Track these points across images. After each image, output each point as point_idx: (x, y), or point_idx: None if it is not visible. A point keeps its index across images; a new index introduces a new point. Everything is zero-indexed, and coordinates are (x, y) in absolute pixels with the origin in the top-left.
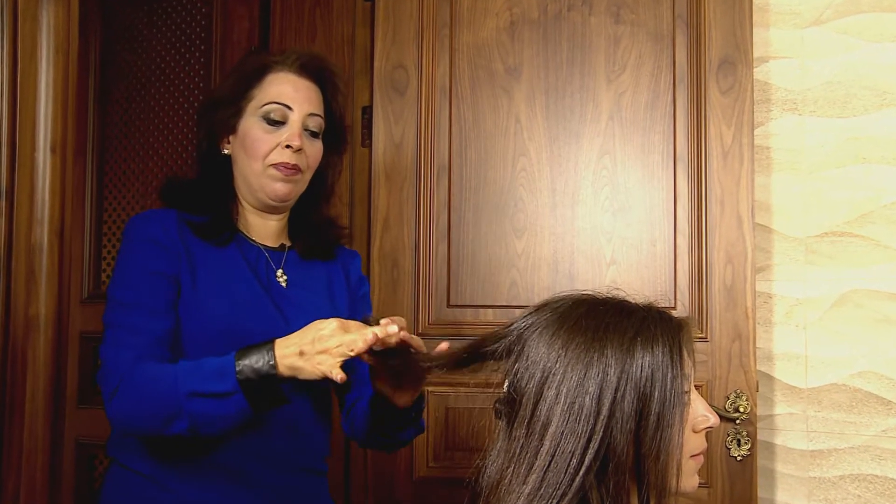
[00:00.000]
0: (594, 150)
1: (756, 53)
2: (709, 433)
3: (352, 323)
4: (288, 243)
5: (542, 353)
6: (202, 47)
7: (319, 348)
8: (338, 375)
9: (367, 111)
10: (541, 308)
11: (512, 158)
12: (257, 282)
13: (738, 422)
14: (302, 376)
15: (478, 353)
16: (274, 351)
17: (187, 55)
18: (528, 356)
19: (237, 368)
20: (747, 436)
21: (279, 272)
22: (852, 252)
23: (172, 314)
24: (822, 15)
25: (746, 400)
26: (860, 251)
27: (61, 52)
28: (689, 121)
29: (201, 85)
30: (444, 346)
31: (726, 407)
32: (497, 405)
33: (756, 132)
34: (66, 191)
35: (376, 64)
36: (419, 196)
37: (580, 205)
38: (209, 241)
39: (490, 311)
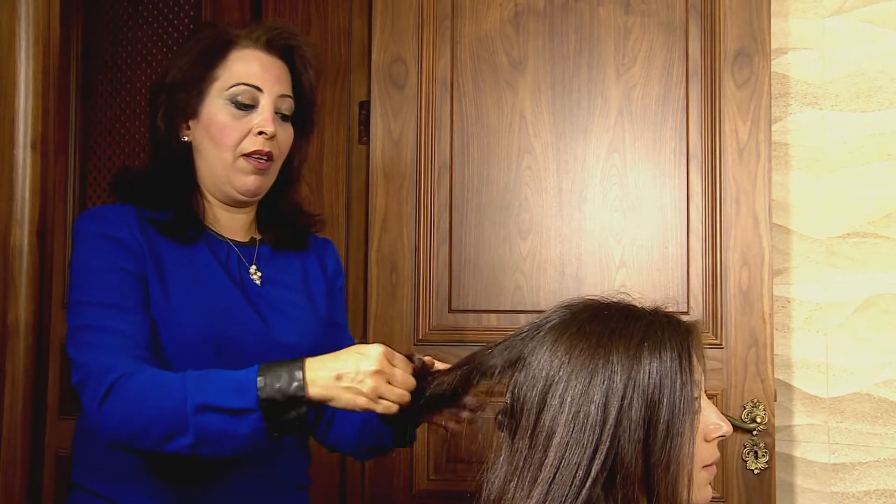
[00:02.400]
0: (603, 146)
1: (774, 45)
2: (723, 444)
3: (397, 358)
4: (258, 236)
5: (544, 361)
6: None
7: (359, 381)
8: (392, 409)
9: (365, 106)
10: (543, 315)
11: (516, 156)
12: (231, 282)
13: (755, 433)
14: (335, 405)
15: (478, 371)
16: (304, 371)
17: (175, 46)
18: (529, 364)
19: (259, 385)
20: (765, 448)
21: (252, 269)
22: (876, 254)
23: (147, 316)
24: (845, 3)
25: (764, 410)
26: (885, 253)
27: (41, 43)
28: (702, 116)
29: None
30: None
31: (742, 417)
32: (499, 416)
33: (774, 127)
34: (47, 190)
35: (374, 57)
36: (419, 196)
37: (588, 204)
38: (175, 240)
39: (493, 316)
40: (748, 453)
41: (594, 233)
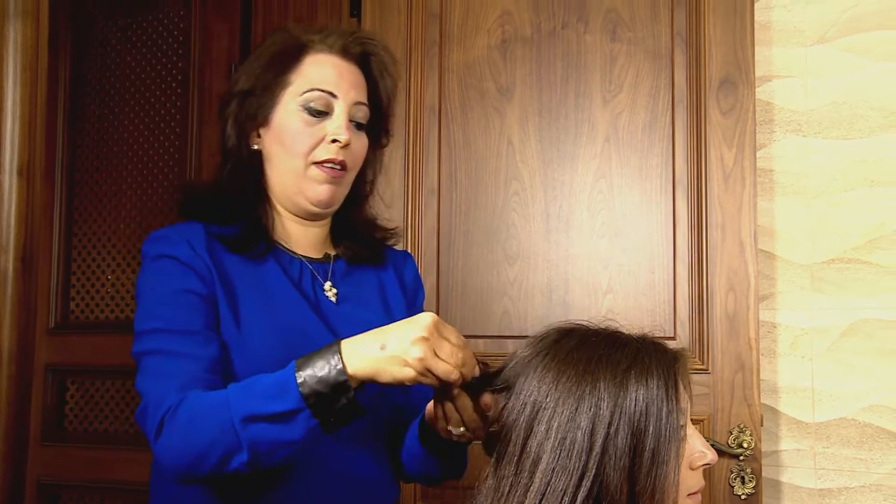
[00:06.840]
0: (589, 173)
1: (758, 73)
2: (710, 469)
3: (448, 329)
4: (332, 252)
5: (532, 387)
6: (179, 65)
7: (404, 350)
8: (453, 375)
9: None
10: (530, 341)
11: (504, 182)
12: (305, 301)
13: (741, 458)
14: (380, 380)
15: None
16: (341, 353)
17: (164, 73)
18: (517, 390)
19: (298, 381)
20: (751, 473)
21: (327, 285)
22: (861, 279)
23: (216, 338)
24: (827, 33)
25: (750, 435)
26: (869, 278)
27: (29, 70)
28: (688, 143)
29: (178, 104)
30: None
31: (729, 442)
32: (486, 441)
33: (758, 154)
34: (34, 215)
35: None
36: (407, 221)
37: (575, 230)
38: (244, 255)
39: (481, 341)
40: (735, 479)
41: (581, 258)
